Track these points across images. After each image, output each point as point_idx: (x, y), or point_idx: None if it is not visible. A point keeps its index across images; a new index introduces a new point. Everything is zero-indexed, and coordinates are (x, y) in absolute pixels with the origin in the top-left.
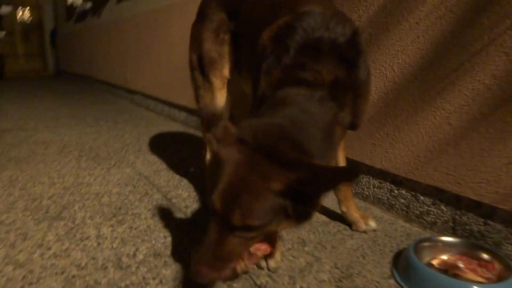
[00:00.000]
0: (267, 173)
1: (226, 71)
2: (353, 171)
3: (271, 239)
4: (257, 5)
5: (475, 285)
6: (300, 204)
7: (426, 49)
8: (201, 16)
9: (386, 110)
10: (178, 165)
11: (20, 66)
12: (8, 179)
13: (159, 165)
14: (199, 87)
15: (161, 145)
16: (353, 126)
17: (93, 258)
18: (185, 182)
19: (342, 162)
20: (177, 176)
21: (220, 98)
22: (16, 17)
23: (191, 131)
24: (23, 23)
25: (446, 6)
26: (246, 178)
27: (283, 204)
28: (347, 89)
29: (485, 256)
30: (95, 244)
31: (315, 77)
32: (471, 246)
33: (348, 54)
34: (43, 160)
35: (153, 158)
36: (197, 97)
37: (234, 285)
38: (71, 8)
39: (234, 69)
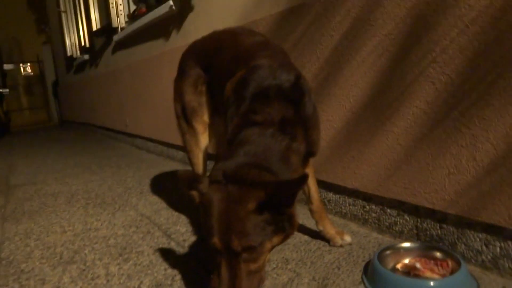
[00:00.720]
0: (242, 198)
1: (206, 117)
2: (303, 177)
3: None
4: (223, 60)
5: (432, 281)
6: (278, 215)
7: (372, 82)
8: (181, 72)
9: (349, 136)
10: (176, 203)
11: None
12: (24, 232)
13: (159, 205)
14: (184, 133)
15: (161, 185)
16: (311, 153)
17: None
18: (183, 218)
19: (313, 187)
20: (176, 213)
21: (203, 141)
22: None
23: (188, 167)
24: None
25: (383, 46)
26: (229, 209)
27: (265, 219)
28: (296, 124)
29: (439, 255)
30: (104, 282)
31: (265, 118)
32: (428, 248)
33: (293, 95)
34: (53, 211)
35: (154, 199)
36: (184, 141)
37: None
38: (70, 59)
39: (213, 113)
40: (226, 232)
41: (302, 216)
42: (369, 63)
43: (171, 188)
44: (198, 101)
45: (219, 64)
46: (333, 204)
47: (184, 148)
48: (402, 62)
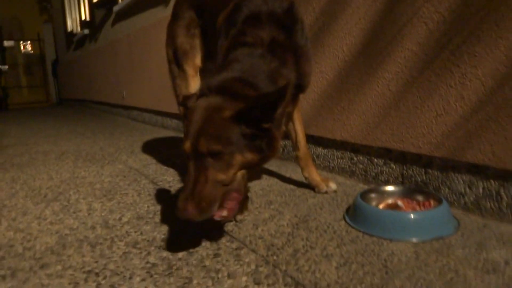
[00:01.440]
0: (221, 106)
1: (197, 61)
2: (283, 88)
3: (241, 191)
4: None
5: (411, 214)
6: (257, 131)
7: (366, 29)
8: (174, 16)
9: (341, 87)
10: (166, 159)
11: (24, 98)
12: (10, 179)
13: (149, 161)
14: (175, 77)
15: (152, 147)
16: (300, 87)
17: (84, 223)
18: (171, 171)
19: (300, 133)
20: (165, 167)
21: (194, 84)
22: (19, 50)
23: (181, 134)
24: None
25: None
26: (206, 115)
27: (240, 131)
28: (286, 49)
29: (421, 196)
30: (86, 214)
31: (256, 39)
32: (411, 190)
33: (285, 22)
34: (42, 164)
35: (144, 156)
36: (174, 86)
37: (205, 231)
38: (70, 35)
39: (206, 58)
40: (197, 135)
41: (290, 170)
42: (364, 9)
43: (163, 149)
44: (190, 43)
45: (213, 4)
46: (321, 159)
47: (174, 94)
48: (396, 4)
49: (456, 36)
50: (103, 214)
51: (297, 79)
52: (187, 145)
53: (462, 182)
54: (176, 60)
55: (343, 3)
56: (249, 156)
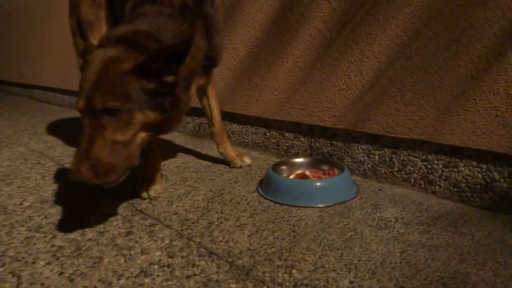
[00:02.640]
0: (120, 58)
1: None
2: (187, 40)
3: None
4: None
5: (317, 182)
6: (160, 86)
7: (276, 6)
8: None
9: (253, 63)
10: (74, 140)
11: None
12: None
13: (55, 143)
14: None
15: (58, 128)
16: (211, 59)
17: None
18: None
19: (215, 109)
20: (73, 148)
21: None
22: None
23: None
24: None
25: None
26: (102, 68)
27: (141, 86)
28: (196, 16)
29: (326, 166)
30: None
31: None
32: (317, 161)
33: None
34: None
35: (49, 138)
36: (79, 61)
37: (116, 211)
38: None
39: None
40: (92, 90)
41: (206, 147)
42: None
43: (70, 130)
44: (95, 14)
45: None
46: (236, 135)
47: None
48: None
49: (355, 15)
50: (0, 200)
51: (208, 50)
52: (81, 103)
53: (361, 151)
54: (81, 32)
55: None
56: (151, 115)
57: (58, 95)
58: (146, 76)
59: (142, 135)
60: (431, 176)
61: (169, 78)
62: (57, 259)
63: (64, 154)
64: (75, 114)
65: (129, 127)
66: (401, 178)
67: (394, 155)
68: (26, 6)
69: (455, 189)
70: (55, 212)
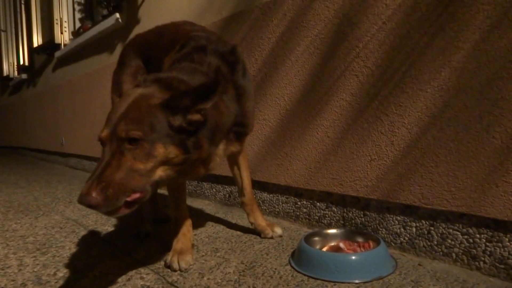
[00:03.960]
0: (150, 94)
1: None
2: (215, 80)
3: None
4: (163, 45)
5: (353, 255)
6: (182, 119)
7: (305, 80)
8: (121, 63)
9: (283, 133)
10: None
11: None
12: None
13: (89, 211)
14: None
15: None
16: (242, 125)
17: (13, 280)
18: (113, 220)
19: (246, 179)
20: (105, 217)
21: None
22: None
23: None
24: None
25: (314, 46)
26: (133, 101)
27: (165, 118)
28: (228, 81)
29: (361, 238)
30: (16, 271)
31: (202, 60)
32: (351, 232)
33: (229, 59)
34: None
35: (83, 206)
36: None
37: (147, 283)
38: (6, 79)
39: None
40: (118, 121)
41: (237, 216)
42: (302, 61)
43: None
44: (133, 85)
45: (159, 50)
46: (267, 204)
47: None
48: (331, 59)
49: (383, 88)
50: (35, 270)
51: (239, 115)
52: (105, 131)
53: (397, 222)
54: None
55: (283, 55)
56: (173, 151)
57: (94, 163)
58: (173, 112)
59: (161, 172)
60: (474, 251)
61: (195, 117)
62: None
63: (97, 222)
64: None
65: (149, 158)
66: (441, 253)
67: (432, 228)
68: (70, 81)
69: (502, 266)
70: (87, 284)
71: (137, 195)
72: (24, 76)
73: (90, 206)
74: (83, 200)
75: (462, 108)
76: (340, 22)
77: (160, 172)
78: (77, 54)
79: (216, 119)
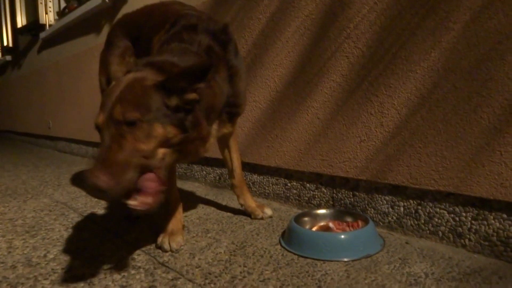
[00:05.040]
0: (145, 77)
1: None
2: (210, 60)
3: (161, 172)
4: (152, 25)
5: (342, 234)
6: (178, 99)
7: (295, 61)
8: (108, 44)
9: (273, 115)
10: None
11: None
12: None
13: (78, 193)
14: None
15: (82, 179)
16: (235, 105)
17: (3, 262)
18: (103, 203)
19: (236, 161)
20: (95, 200)
21: None
22: None
23: None
24: None
25: (305, 26)
26: (127, 85)
27: (161, 98)
28: (221, 61)
29: (350, 218)
30: (5, 253)
31: (192, 39)
32: (340, 212)
33: (221, 38)
34: None
35: (73, 189)
36: None
37: (139, 264)
38: None
39: None
40: (114, 104)
41: (227, 198)
42: (293, 43)
43: None
44: (124, 72)
45: (148, 30)
46: (257, 186)
47: None
48: (321, 40)
49: (373, 69)
50: (25, 252)
51: (231, 96)
52: (101, 117)
53: (385, 202)
54: None
55: (273, 36)
56: (172, 130)
57: (83, 146)
58: (168, 93)
59: (164, 151)
60: (460, 229)
61: (191, 96)
62: None
63: (87, 205)
64: None
65: (149, 139)
66: (428, 231)
67: (419, 207)
68: (56, 63)
69: (486, 243)
70: (78, 265)
71: (153, 184)
72: (8, 57)
73: (99, 188)
74: (91, 182)
75: (451, 89)
76: (331, 2)
77: (163, 152)
78: (63, 35)
79: (210, 99)
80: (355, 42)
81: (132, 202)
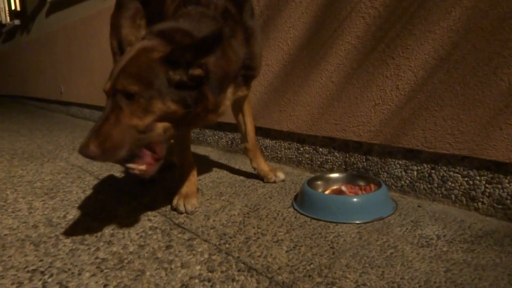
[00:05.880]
0: (153, 48)
1: None
2: (217, 33)
3: (159, 145)
4: None
5: (354, 198)
6: (183, 74)
7: (309, 22)
8: (119, 6)
9: (286, 79)
10: None
11: None
12: None
13: None
14: None
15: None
16: (250, 68)
17: (25, 222)
18: (117, 166)
19: (249, 125)
20: (110, 163)
21: None
22: None
23: None
24: None
25: None
26: (135, 55)
27: (165, 74)
28: (237, 23)
29: (363, 182)
30: (26, 213)
31: (209, 1)
32: (353, 176)
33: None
34: None
35: None
36: None
37: (155, 225)
38: None
39: None
40: (118, 74)
41: (240, 162)
42: (306, 3)
43: None
44: (135, 34)
45: None
46: (269, 150)
47: None
48: (336, 0)
49: (390, 30)
50: (45, 213)
51: (247, 58)
52: (108, 84)
53: (398, 166)
54: (121, 51)
55: None
56: (172, 107)
57: (95, 111)
58: (173, 67)
59: (164, 125)
60: (473, 192)
61: (196, 72)
62: (101, 271)
63: (102, 168)
64: None
65: (146, 114)
66: (441, 195)
67: (433, 171)
68: (65, 27)
69: (500, 206)
70: (97, 226)
71: (150, 157)
72: (16, 22)
73: (88, 157)
74: (82, 152)
75: (471, 49)
76: None
77: (163, 125)
78: None
79: (225, 68)
80: (372, 2)
81: (130, 165)
